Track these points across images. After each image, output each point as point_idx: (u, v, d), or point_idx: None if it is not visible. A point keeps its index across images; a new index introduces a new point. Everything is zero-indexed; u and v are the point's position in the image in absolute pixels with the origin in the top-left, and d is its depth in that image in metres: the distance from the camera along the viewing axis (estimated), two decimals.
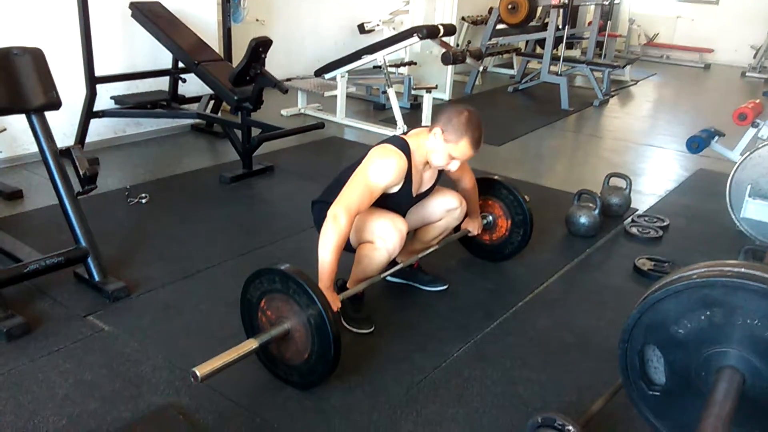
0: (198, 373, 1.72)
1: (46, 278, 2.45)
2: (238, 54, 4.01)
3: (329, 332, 1.83)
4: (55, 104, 2.55)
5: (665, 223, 3.49)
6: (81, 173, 2.49)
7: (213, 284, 2.66)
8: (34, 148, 2.55)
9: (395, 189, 2.25)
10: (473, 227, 2.75)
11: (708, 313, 1.30)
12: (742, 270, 1.25)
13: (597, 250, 3.20)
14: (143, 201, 3.43)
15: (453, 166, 2.26)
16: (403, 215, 2.36)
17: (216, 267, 2.79)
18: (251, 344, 1.90)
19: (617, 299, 2.70)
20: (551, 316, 2.56)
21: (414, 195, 2.36)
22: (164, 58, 4.40)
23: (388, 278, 2.73)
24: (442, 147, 2.20)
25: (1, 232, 2.79)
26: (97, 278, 2.50)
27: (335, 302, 2.09)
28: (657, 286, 1.40)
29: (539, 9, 7.43)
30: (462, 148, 2.19)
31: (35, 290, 2.48)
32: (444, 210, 2.57)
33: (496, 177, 2.86)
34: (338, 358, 1.89)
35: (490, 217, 2.86)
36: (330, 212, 2.11)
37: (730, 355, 1.30)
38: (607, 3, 7.48)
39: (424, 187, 2.42)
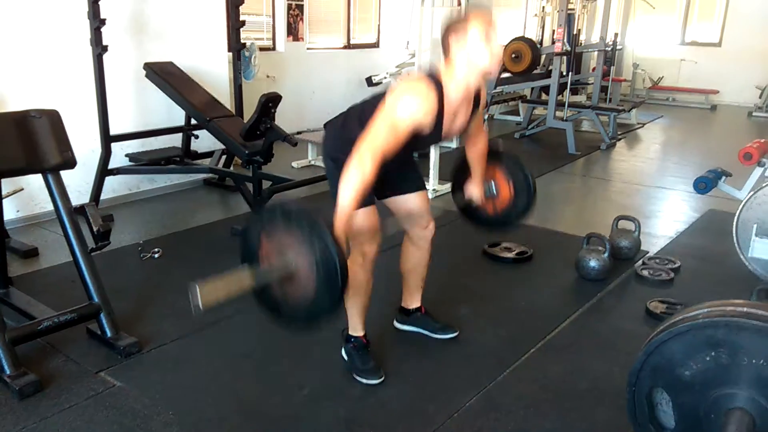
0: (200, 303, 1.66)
1: (59, 335, 2.47)
2: (249, 109, 4.12)
3: (334, 258, 1.72)
4: (71, 163, 2.63)
5: (676, 265, 3.47)
6: (95, 230, 2.54)
7: (224, 337, 2.67)
8: (51, 207, 2.62)
9: (426, 130, 2.05)
10: (476, 194, 2.59)
11: (713, 353, 1.30)
12: (745, 309, 1.25)
13: (608, 294, 3.18)
14: (156, 256, 3.48)
15: (494, 62, 2.05)
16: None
17: (227, 320, 2.80)
18: (248, 276, 1.86)
19: (630, 344, 2.66)
20: (564, 362, 2.54)
21: (443, 134, 2.19)
22: (177, 115, 4.53)
23: (399, 326, 2.74)
24: (468, 57, 2.02)
25: (16, 290, 2.84)
26: (109, 334, 2.52)
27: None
28: (661, 327, 1.40)
29: (543, 57, 7.59)
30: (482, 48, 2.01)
31: (48, 347, 2.50)
32: (415, 220, 2.47)
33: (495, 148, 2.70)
34: (345, 285, 1.77)
35: (492, 183, 2.66)
36: (355, 154, 1.92)
37: (739, 396, 1.29)
38: (609, 49, 7.60)
39: (457, 125, 2.22)
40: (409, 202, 2.46)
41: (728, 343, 1.27)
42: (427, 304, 2.75)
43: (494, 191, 2.68)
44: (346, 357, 2.45)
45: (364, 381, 2.34)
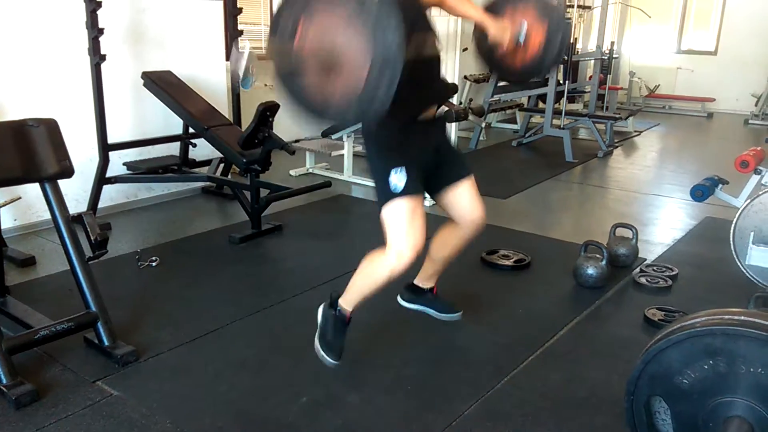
0: None
1: (56, 344, 2.47)
2: (248, 118, 4.12)
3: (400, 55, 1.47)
4: (68, 172, 2.63)
5: (674, 273, 3.47)
6: (92, 239, 2.54)
7: (222, 345, 2.67)
8: (48, 215, 2.61)
9: None
10: (503, 37, 2.25)
11: (711, 362, 1.30)
12: (742, 318, 1.25)
13: (606, 302, 3.18)
14: (153, 264, 3.47)
15: None
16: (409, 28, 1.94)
17: (225, 328, 2.80)
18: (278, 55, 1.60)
19: (628, 351, 2.66)
20: (562, 370, 2.53)
21: None
22: (175, 124, 4.53)
23: (404, 304, 2.71)
24: None
25: (13, 299, 2.83)
26: (106, 343, 2.51)
27: None
28: (659, 336, 1.40)
29: None
30: None
31: (45, 356, 2.50)
32: (466, 215, 2.38)
33: None
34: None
35: (523, 26, 2.29)
36: None
37: (737, 404, 1.29)
38: (606, 57, 7.64)
39: None
40: (461, 192, 2.34)
41: (726, 351, 1.27)
42: (419, 313, 2.75)
43: (523, 36, 2.31)
44: (320, 319, 2.38)
45: (324, 355, 2.31)
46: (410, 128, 2.19)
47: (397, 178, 2.09)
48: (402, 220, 2.10)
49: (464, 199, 2.37)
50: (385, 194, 2.12)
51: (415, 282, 2.70)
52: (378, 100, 1.59)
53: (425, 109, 2.25)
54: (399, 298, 2.74)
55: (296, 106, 1.75)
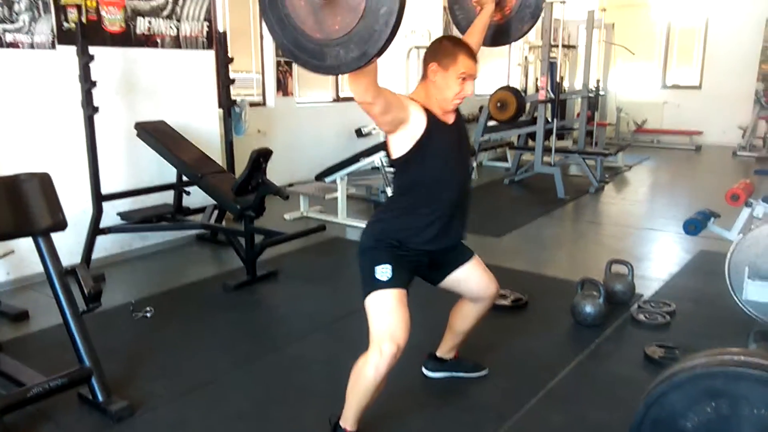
0: None
1: (49, 400, 2.42)
2: (241, 164, 4.15)
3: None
4: (62, 225, 2.62)
5: (672, 308, 3.46)
6: (86, 292, 2.52)
7: (217, 397, 2.62)
8: (42, 268, 2.60)
9: (421, 122, 2.09)
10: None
11: (714, 404, 1.28)
12: (742, 358, 1.25)
13: (606, 340, 3.16)
14: (148, 315, 3.44)
15: (469, 89, 2.14)
16: (454, 163, 2.21)
17: (220, 378, 2.76)
18: None
19: (630, 391, 2.63)
20: (564, 412, 2.50)
21: (448, 125, 2.20)
22: (169, 173, 4.55)
23: (430, 374, 2.72)
24: (444, 76, 2.12)
25: (5, 355, 2.79)
26: (100, 398, 2.47)
27: None
28: (660, 379, 1.39)
29: (528, 104, 7.74)
30: (463, 63, 2.10)
31: (38, 414, 2.45)
32: (481, 293, 2.44)
33: None
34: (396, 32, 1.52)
35: None
36: None
37: None
38: (592, 95, 7.77)
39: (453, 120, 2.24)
40: (469, 273, 2.39)
41: (728, 393, 1.26)
42: (422, 355, 2.72)
43: None
44: None
45: None
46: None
47: (383, 271, 2.14)
48: (384, 311, 2.10)
49: (474, 279, 2.42)
50: (371, 284, 2.15)
51: (438, 354, 2.73)
52: (377, 36, 1.54)
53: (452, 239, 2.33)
54: (424, 369, 2.74)
55: (293, 50, 1.69)
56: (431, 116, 2.13)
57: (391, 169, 2.29)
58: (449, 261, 2.38)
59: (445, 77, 2.12)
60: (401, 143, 2.12)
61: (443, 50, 2.13)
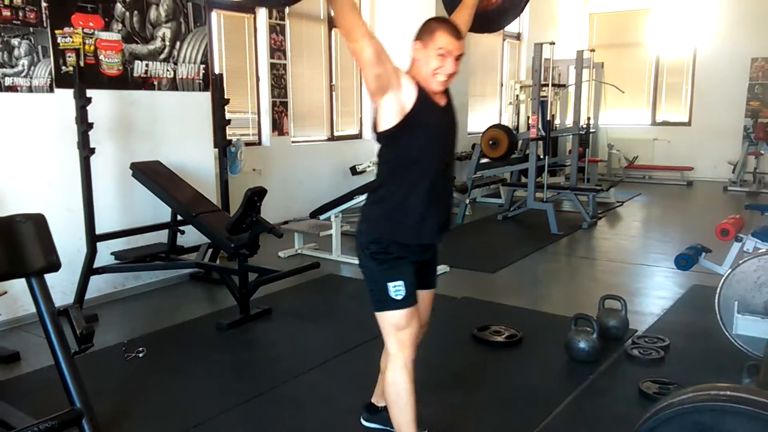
0: None
1: None
2: (236, 202, 4.18)
3: None
4: (55, 266, 2.63)
5: (666, 343, 3.46)
6: (78, 333, 2.51)
7: None
8: (34, 309, 2.59)
9: (411, 93, 2.10)
10: None
11: None
12: (728, 393, 1.25)
13: (600, 376, 3.15)
14: (140, 355, 3.42)
15: (449, 66, 2.10)
16: (442, 144, 2.21)
17: (213, 420, 2.73)
18: None
19: (625, 427, 2.60)
20: None
21: (439, 105, 2.20)
22: (164, 212, 4.57)
23: (365, 423, 2.63)
24: (425, 53, 2.11)
25: None
26: None
27: None
28: (648, 414, 1.39)
29: (520, 142, 7.85)
30: (441, 39, 2.08)
31: None
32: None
33: None
34: None
35: None
36: None
37: None
38: (583, 132, 7.89)
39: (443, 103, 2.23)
40: (422, 299, 2.35)
41: (717, 428, 1.26)
42: (416, 391, 2.69)
43: None
44: None
45: None
46: (420, 236, 2.24)
47: (397, 290, 2.16)
48: (402, 323, 2.18)
49: (421, 305, 2.36)
50: (383, 302, 2.19)
51: (372, 400, 2.65)
52: None
53: (439, 220, 2.29)
54: (361, 418, 2.65)
55: None
56: (423, 92, 2.12)
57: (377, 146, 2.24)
58: (422, 278, 2.35)
59: (425, 54, 2.11)
60: (389, 114, 2.09)
61: (424, 28, 2.14)
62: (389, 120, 2.10)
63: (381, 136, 2.16)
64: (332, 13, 1.89)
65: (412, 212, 2.16)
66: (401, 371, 2.17)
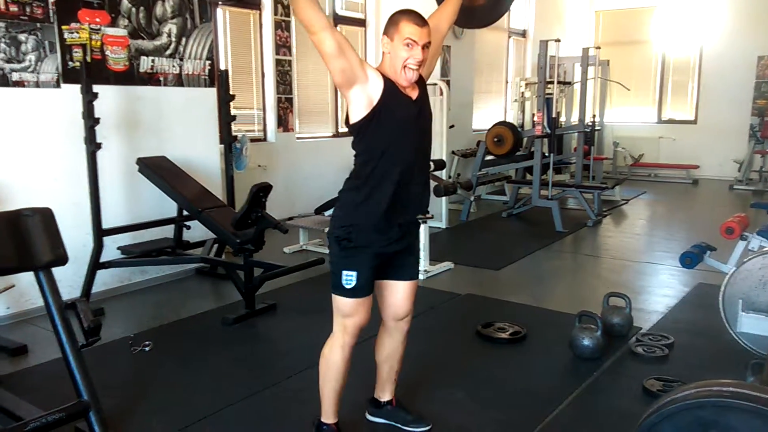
0: None
1: None
2: (242, 198, 4.19)
3: None
4: (62, 260, 2.64)
5: (670, 341, 3.46)
6: (85, 326, 2.53)
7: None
8: (41, 302, 2.61)
9: (378, 86, 2.14)
10: None
11: None
12: (731, 389, 1.26)
13: (604, 373, 3.15)
14: (147, 349, 3.44)
15: (417, 54, 2.12)
16: (411, 137, 2.23)
17: (219, 413, 2.75)
18: None
19: (628, 425, 2.59)
20: None
21: (409, 98, 2.22)
22: (170, 207, 4.59)
23: (370, 418, 2.66)
24: (393, 46, 2.14)
25: (3, 390, 2.79)
26: None
27: None
28: (652, 409, 1.40)
29: (525, 139, 7.83)
30: (406, 29, 2.11)
31: None
32: (392, 312, 2.43)
33: None
34: None
35: None
36: None
37: None
38: (589, 130, 7.87)
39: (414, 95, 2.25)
40: (398, 289, 2.41)
41: (719, 424, 1.27)
42: (421, 388, 2.71)
43: None
44: None
45: None
46: (383, 230, 2.26)
47: (348, 278, 2.24)
48: (347, 311, 2.30)
49: (398, 295, 2.41)
50: (336, 286, 2.30)
51: (374, 396, 2.68)
52: None
53: (407, 216, 2.32)
54: (366, 413, 2.68)
55: None
56: (390, 84, 2.16)
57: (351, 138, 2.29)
58: (401, 269, 2.38)
59: (393, 46, 2.14)
60: (358, 107, 2.15)
61: (389, 21, 2.17)
62: (358, 112, 2.15)
63: (351, 128, 2.21)
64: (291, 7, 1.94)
65: (378, 204, 2.20)
66: (337, 350, 2.31)
